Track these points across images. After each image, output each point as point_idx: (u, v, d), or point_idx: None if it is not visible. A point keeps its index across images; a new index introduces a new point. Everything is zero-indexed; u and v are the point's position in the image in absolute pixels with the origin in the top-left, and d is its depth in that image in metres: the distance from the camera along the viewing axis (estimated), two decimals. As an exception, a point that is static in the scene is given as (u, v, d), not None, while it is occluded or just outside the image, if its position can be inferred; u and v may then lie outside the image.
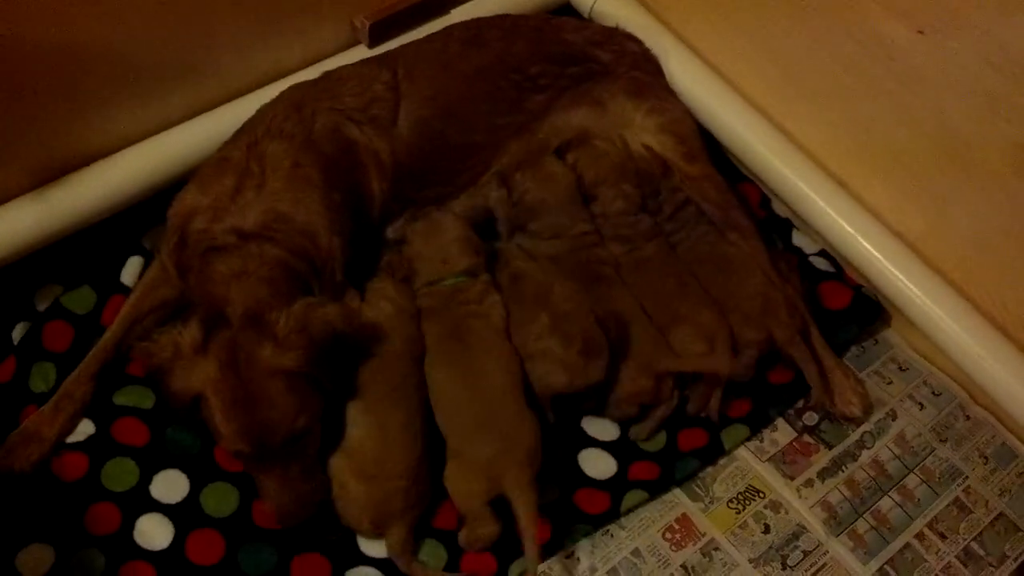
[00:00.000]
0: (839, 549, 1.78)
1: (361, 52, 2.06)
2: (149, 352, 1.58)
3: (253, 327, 1.56)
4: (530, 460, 1.66)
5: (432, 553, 1.68)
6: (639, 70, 2.13)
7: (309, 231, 1.73)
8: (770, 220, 2.17)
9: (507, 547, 1.66)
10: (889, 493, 1.85)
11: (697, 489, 1.82)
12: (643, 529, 1.76)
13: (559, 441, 1.77)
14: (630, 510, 1.77)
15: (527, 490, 1.63)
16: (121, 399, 1.76)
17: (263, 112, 1.86)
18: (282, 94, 1.89)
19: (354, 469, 1.65)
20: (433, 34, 2.05)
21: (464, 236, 1.89)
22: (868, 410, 1.93)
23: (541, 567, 1.66)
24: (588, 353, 1.75)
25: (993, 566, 1.78)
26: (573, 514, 1.74)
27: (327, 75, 1.93)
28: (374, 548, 1.68)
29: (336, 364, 1.63)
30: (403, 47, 2.02)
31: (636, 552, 1.73)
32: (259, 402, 1.53)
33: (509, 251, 1.94)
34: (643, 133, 2.08)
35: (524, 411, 1.71)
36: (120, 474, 1.68)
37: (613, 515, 1.76)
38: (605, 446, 1.83)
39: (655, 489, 1.80)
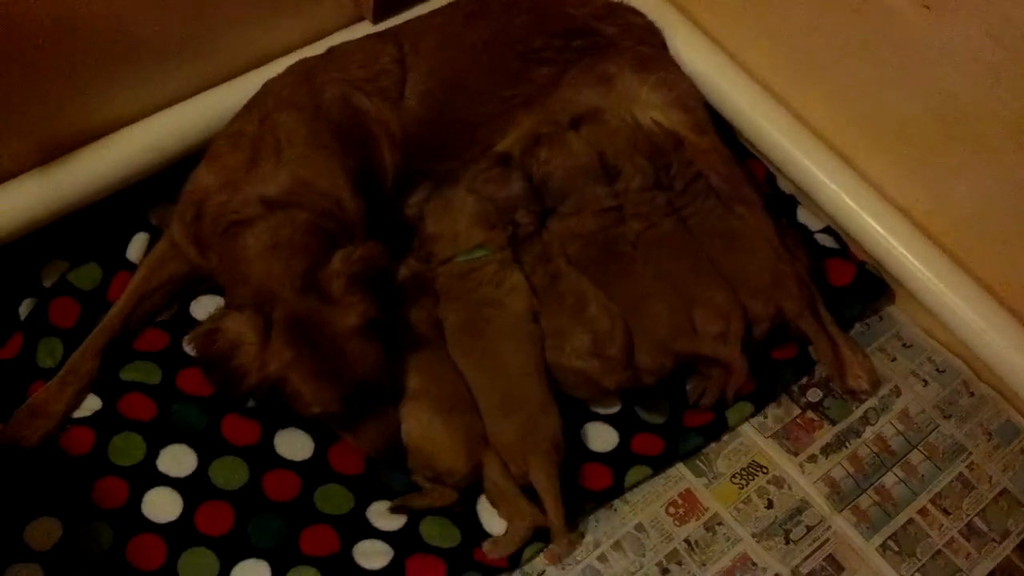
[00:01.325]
0: (842, 524, 1.79)
1: (365, 29, 2.06)
2: (211, 340, 1.57)
3: (309, 296, 1.57)
4: (555, 446, 1.67)
5: (446, 534, 1.69)
6: (644, 44, 2.13)
7: (333, 195, 1.73)
8: (775, 197, 2.17)
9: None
10: (892, 469, 1.86)
11: (700, 464, 1.83)
12: (647, 504, 1.77)
13: (562, 416, 1.76)
14: (634, 486, 1.78)
15: (552, 477, 1.64)
16: (128, 375, 1.77)
17: (271, 85, 1.86)
18: (290, 67, 1.89)
19: (433, 406, 1.68)
20: (437, 9, 2.05)
21: (475, 211, 1.88)
22: (876, 384, 1.93)
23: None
24: (618, 385, 1.77)
25: (996, 541, 1.79)
26: (577, 493, 1.74)
27: (332, 50, 1.93)
28: (383, 521, 1.69)
29: (385, 295, 1.65)
30: (408, 22, 2.02)
31: (640, 527, 1.74)
32: (342, 365, 1.56)
33: (553, 245, 1.93)
34: (650, 107, 2.08)
35: (547, 397, 1.72)
36: (127, 448, 1.69)
37: (617, 491, 1.77)
38: (607, 419, 1.84)
39: (658, 464, 1.80)
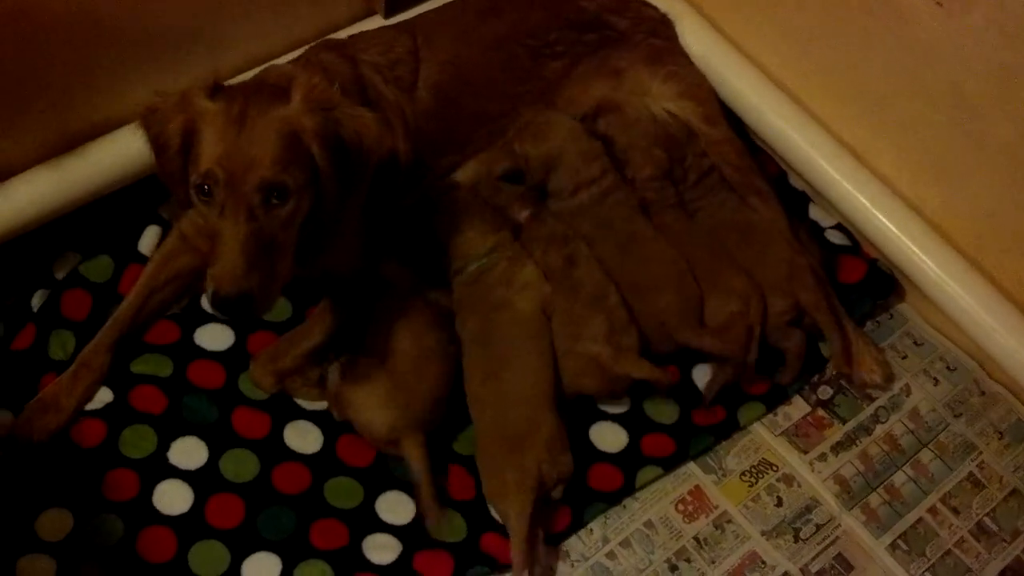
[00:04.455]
0: (852, 523, 1.78)
1: (376, 23, 2.06)
2: (155, 106, 1.53)
3: (277, 89, 1.51)
4: (539, 466, 1.65)
5: (454, 527, 1.69)
6: (656, 36, 2.13)
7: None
8: (786, 193, 2.16)
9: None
10: (903, 468, 1.86)
11: (710, 461, 1.83)
12: (655, 501, 1.77)
13: (570, 416, 1.76)
14: (644, 486, 1.78)
15: (522, 515, 1.61)
16: (139, 367, 1.78)
17: (301, 56, 1.85)
18: (313, 46, 1.88)
19: (387, 373, 1.71)
20: (451, 2, 2.05)
21: (480, 219, 1.89)
22: (889, 378, 1.93)
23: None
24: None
25: (1006, 541, 1.79)
26: (588, 495, 1.75)
27: (351, 37, 1.93)
28: (392, 515, 1.70)
29: (349, 183, 1.56)
30: (422, 15, 2.02)
31: (649, 523, 1.74)
32: (251, 138, 1.46)
33: (564, 226, 1.92)
34: (662, 100, 2.08)
35: (542, 415, 1.70)
36: (138, 441, 1.70)
37: (628, 490, 1.77)
38: (616, 418, 1.83)
39: (669, 464, 1.80)
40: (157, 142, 1.54)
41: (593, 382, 1.77)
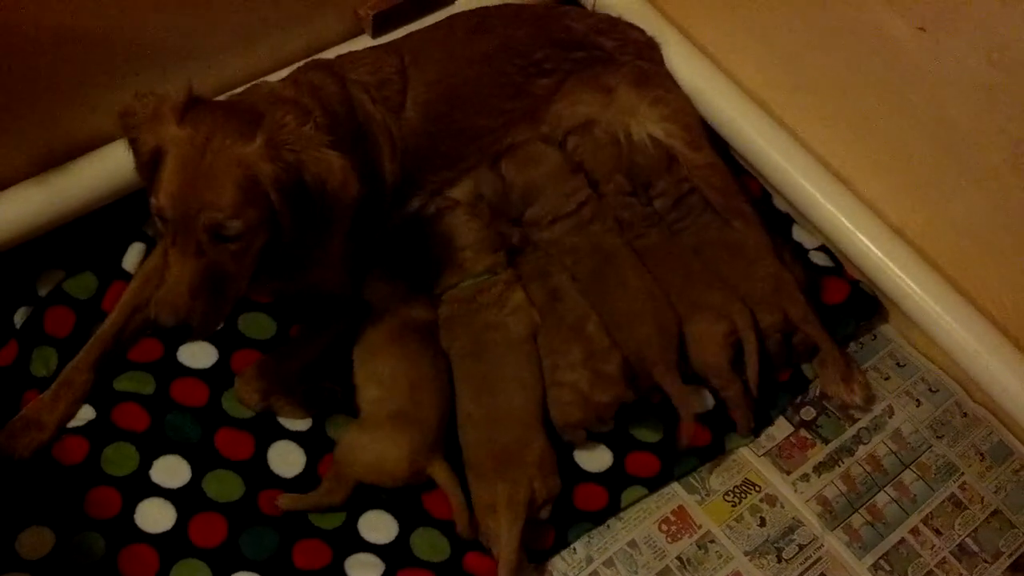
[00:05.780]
0: (834, 543, 1.79)
1: (364, 42, 2.07)
2: (132, 110, 1.54)
3: (247, 122, 1.50)
4: (529, 483, 1.65)
5: (437, 547, 1.69)
6: (642, 58, 2.14)
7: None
8: (770, 215, 2.17)
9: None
10: (885, 488, 1.86)
11: (693, 482, 1.83)
12: (639, 521, 1.77)
13: (555, 435, 1.77)
14: (629, 505, 1.78)
15: (513, 531, 1.62)
16: (121, 384, 1.77)
17: (290, 75, 1.85)
18: (301, 65, 1.89)
19: (387, 417, 1.69)
20: (438, 22, 2.07)
21: (478, 238, 1.90)
22: (869, 399, 1.94)
23: (538, 557, 1.69)
24: (611, 399, 1.76)
25: (987, 562, 1.80)
26: (573, 514, 1.75)
27: (339, 57, 1.93)
28: (374, 534, 1.69)
29: (312, 222, 1.56)
30: (409, 35, 2.03)
31: (632, 543, 1.74)
32: (208, 177, 1.45)
33: (547, 260, 1.94)
34: (647, 123, 2.08)
35: (532, 434, 1.71)
36: (120, 459, 1.69)
37: (613, 510, 1.77)
38: (600, 438, 1.83)
39: (654, 485, 1.81)
40: (133, 145, 1.56)
41: (578, 411, 1.76)
